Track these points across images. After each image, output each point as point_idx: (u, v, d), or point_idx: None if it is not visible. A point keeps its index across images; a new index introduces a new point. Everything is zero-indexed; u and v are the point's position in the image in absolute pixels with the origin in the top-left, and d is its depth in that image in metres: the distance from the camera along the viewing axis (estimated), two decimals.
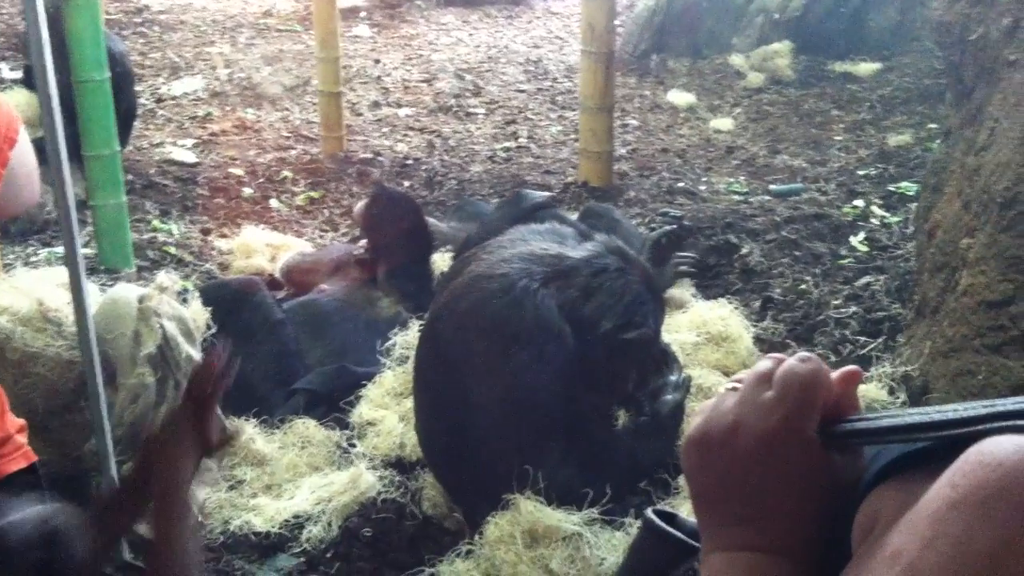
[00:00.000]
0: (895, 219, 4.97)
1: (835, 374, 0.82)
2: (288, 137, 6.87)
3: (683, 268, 4.21)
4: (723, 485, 0.81)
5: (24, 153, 1.99)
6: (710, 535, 0.82)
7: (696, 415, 0.86)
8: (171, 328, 3.24)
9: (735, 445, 0.79)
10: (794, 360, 0.80)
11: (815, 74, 7.81)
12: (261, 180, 5.98)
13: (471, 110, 7.60)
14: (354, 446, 3.47)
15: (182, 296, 3.53)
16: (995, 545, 0.56)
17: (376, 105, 7.69)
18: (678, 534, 0.92)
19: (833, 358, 3.77)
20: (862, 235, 4.76)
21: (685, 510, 0.90)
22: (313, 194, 5.85)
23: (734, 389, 0.84)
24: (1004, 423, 0.61)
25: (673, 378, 3.33)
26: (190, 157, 6.24)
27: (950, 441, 0.65)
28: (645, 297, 3.14)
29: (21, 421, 2.17)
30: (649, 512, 0.96)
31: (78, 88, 4.27)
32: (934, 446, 0.69)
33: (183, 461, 1.70)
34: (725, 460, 0.80)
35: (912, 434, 0.71)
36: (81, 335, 2.73)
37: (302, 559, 3.02)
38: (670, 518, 0.95)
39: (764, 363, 0.83)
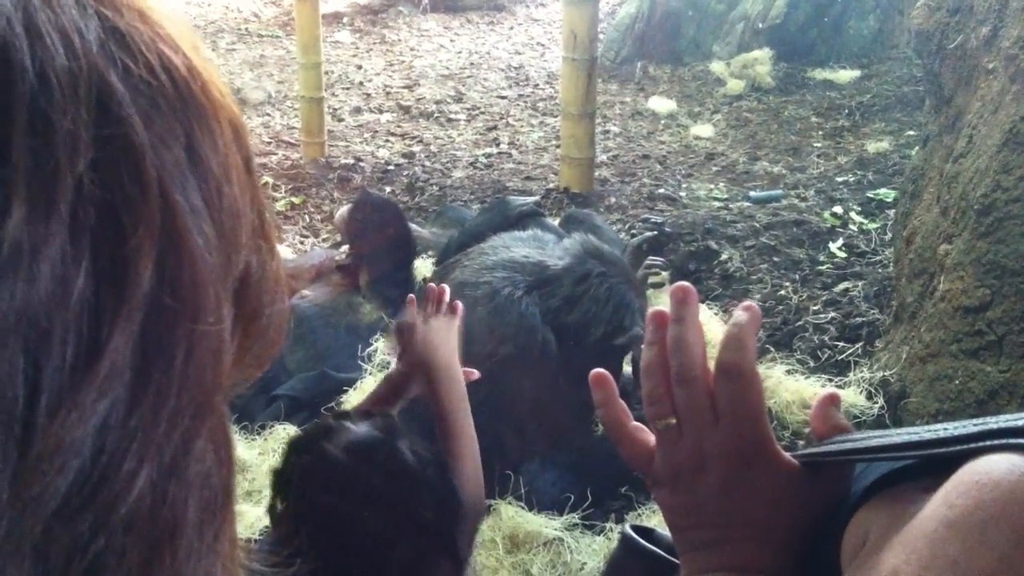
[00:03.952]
0: (873, 225, 5.00)
1: (814, 402, 0.83)
2: (269, 143, 6.86)
3: (653, 280, 4.20)
4: (696, 514, 0.81)
5: None
6: (688, 559, 0.83)
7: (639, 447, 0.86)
8: None
9: (704, 480, 0.80)
10: (722, 383, 0.80)
11: (795, 81, 7.85)
12: None
13: (453, 116, 7.60)
14: None
15: None
16: (994, 566, 0.56)
17: (358, 111, 7.68)
18: (655, 550, 0.93)
19: (812, 363, 3.80)
20: (841, 241, 4.79)
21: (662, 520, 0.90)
22: (294, 200, 5.85)
23: (670, 424, 0.83)
24: (996, 441, 0.61)
25: None
26: None
27: (939, 458, 0.65)
28: (629, 298, 3.15)
29: None
30: (627, 528, 0.96)
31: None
32: (923, 462, 0.69)
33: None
34: (695, 494, 0.81)
35: (902, 452, 0.71)
36: None
37: None
38: (648, 533, 0.96)
39: (688, 393, 0.81)
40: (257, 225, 0.51)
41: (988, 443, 0.61)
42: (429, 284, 2.08)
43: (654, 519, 2.94)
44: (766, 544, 0.79)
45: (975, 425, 0.64)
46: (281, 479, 1.64)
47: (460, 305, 2.04)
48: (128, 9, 0.45)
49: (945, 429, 0.67)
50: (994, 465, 0.59)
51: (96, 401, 0.39)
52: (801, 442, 3.28)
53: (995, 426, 0.62)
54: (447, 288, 2.05)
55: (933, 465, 0.65)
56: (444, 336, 1.95)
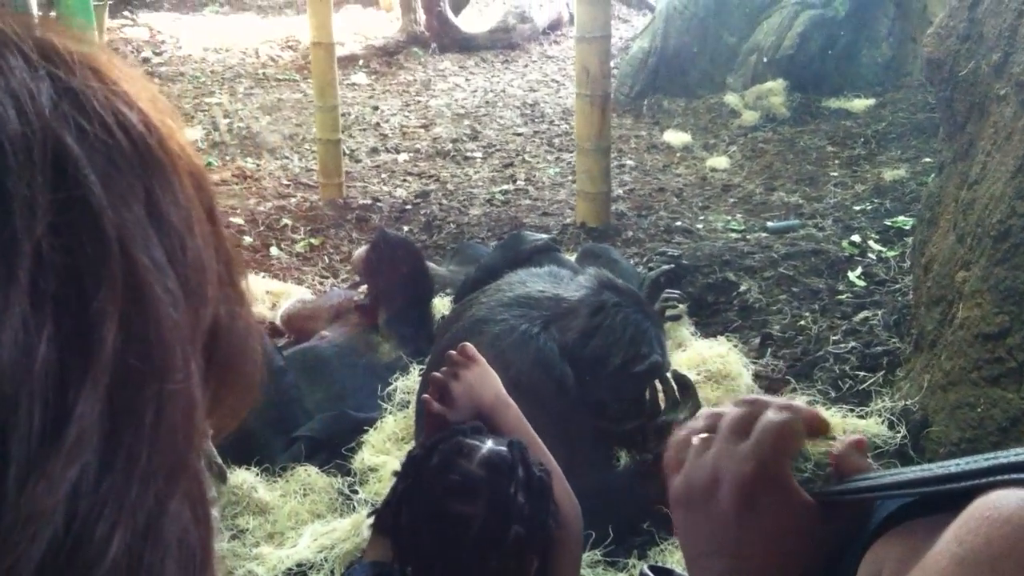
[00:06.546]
0: (892, 253, 4.99)
1: (838, 438, 0.83)
2: (287, 185, 6.92)
3: (670, 312, 4.20)
4: (707, 538, 0.81)
5: None
6: None
7: (668, 462, 0.87)
8: None
9: (715, 497, 0.80)
10: (771, 411, 0.82)
11: (809, 111, 7.86)
12: (261, 228, 6.01)
13: (469, 154, 7.65)
14: (356, 492, 3.46)
15: None
16: None
17: (374, 151, 7.74)
18: None
19: (833, 393, 3.78)
20: (859, 270, 4.78)
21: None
22: (313, 241, 5.89)
23: (705, 439, 0.84)
24: (1006, 476, 0.61)
25: (682, 416, 3.29)
26: None
27: (951, 493, 0.65)
28: (645, 326, 3.16)
29: None
30: (645, 568, 0.97)
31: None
32: (935, 498, 0.69)
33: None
34: (707, 515, 0.81)
35: (915, 488, 0.71)
36: None
37: None
38: (667, 574, 0.96)
39: (738, 410, 0.83)
40: (224, 274, 0.50)
41: (998, 478, 0.61)
42: (448, 353, 2.05)
43: (676, 555, 2.92)
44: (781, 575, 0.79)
45: (986, 460, 0.64)
46: (410, 494, 1.73)
47: (473, 349, 2.02)
48: (81, 68, 0.45)
49: (957, 464, 0.67)
50: (1003, 501, 0.59)
51: (65, 468, 0.39)
52: (821, 473, 3.25)
53: (1005, 460, 0.62)
54: (462, 347, 2.03)
55: (946, 500, 0.65)
56: (482, 380, 1.95)
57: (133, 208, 0.44)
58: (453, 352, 1.98)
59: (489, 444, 1.73)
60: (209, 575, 0.48)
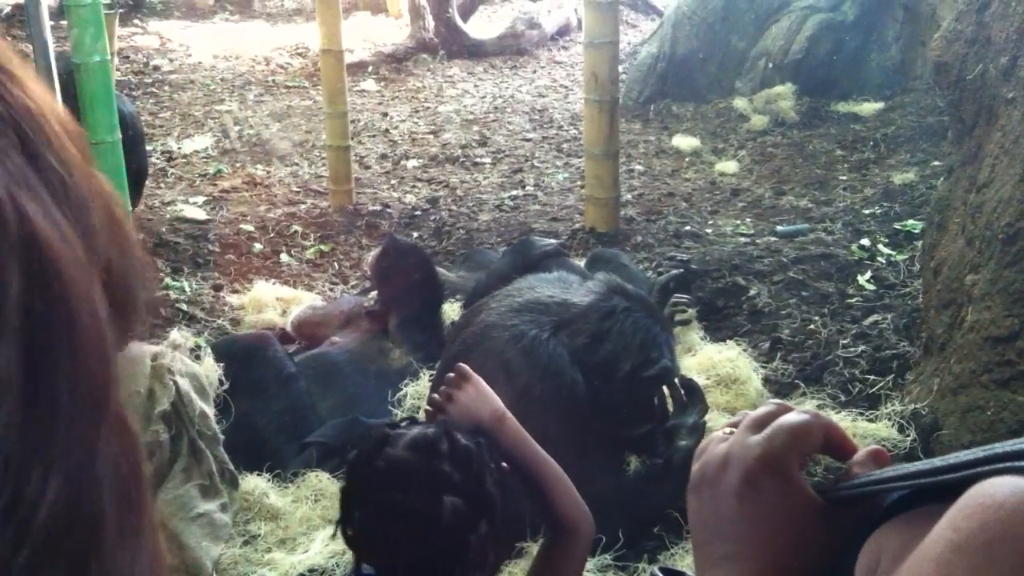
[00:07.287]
0: (901, 257, 4.99)
1: (863, 451, 0.85)
2: (297, 192, 6.94)
3: (680, 317, 4.23)
4: (713, 523, 0.83)
5: None
6: None
7: (695, 459, 0.90)
8: (184, 385, 3.26)
9: (722, 482, 0.82)
10: (793, 412, 0.84)
11: (818, 115, 7.86)
12: (271, 235, 6.03)
13: (478, 160, 7.66)
14: None
15: (195, 353, 3.57)
16: None
17: (384, 158, 7.76)
18: None
19: (843, 397, 3.78)
20: (869, 274, 4.78)
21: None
22: (323, 247, 5.90)
23: (731, 432, 0.87)
24: (1002, 464, 0.62)
25: (691, 421, 3.30)
26: (201, 214, 6.31)
27: (951, 483, 0.66)
28: (655, 331, 3.17)
29: None
30: (656, 570, 0.98)
31: (91, 149, 4.33)
32: (936, 486, 0.70)
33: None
34: (714, 498, 0.83)
35: (914, 480, 0.73)
36: None
37: None
38: None
39: (764, 407, 0.86)
40: (108, 215, 0.51)
41: (993, 467, 0.63)
42: (447, 376, 2.06)
43: (686, 559, 2.93)
44: (779, 564, 0.80)
45: (983, 451, 0.66)
46: (351, 495, 1.74)
47: (467, 369, 2.03)
48: None
49: (956, 457, 0.68)
50: (997, 488, 0.60)
51: None
52: (830, 476, 3.26)
53: (1000, 450, 0.64)
54: (457, 368, 2.05)
55: (944, 491, 0.66)
56: (478, 399, 1.96)
57: (12, 156, 0.44)
58: (452, 375, 2.00)
59: (415, 429, 1.77)
60: (147, 508, 0.49)
